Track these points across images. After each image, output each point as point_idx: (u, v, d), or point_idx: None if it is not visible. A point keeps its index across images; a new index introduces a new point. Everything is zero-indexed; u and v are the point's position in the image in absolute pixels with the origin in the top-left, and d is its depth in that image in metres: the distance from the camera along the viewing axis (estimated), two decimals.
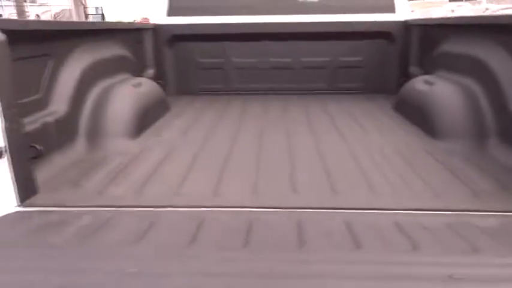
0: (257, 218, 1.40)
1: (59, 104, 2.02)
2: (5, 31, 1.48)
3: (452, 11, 17.38)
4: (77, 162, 1.99)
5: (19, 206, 1.53)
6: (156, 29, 3.54)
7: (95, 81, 2.33)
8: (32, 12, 23.33)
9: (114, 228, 1.35)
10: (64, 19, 25.96)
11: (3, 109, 1.46)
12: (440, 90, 2.39)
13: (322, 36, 3.55)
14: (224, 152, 2.13)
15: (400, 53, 3.51)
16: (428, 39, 3.16)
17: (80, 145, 2.13)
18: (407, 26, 3.47)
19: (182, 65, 3.70)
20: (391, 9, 3.54)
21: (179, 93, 3.70)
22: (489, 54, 2.17)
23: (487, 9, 14.50)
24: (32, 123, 1.77)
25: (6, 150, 1.48)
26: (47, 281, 1.04)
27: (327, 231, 1.29)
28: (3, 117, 1.46)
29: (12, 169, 1.50)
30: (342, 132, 2.45)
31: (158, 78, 3.43)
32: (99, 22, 2.77)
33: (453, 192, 1.61)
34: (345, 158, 2.02)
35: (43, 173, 1.76)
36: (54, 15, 25.19)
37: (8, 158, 1.49)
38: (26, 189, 1.57)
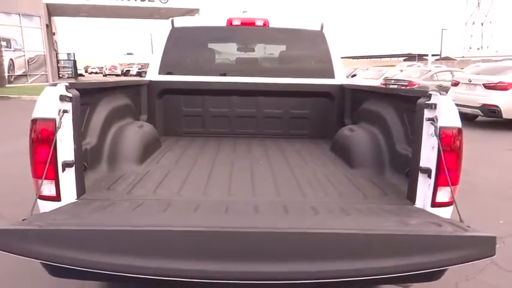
0: (230, 205, 2.32)
1: (91, 138, 2.91)
2: (78, 90, 2.40)
3: (401, 70, 19.50)
4: (103, 178, 2.87)
5: (76, 199, 2.39)
6: (150, 84, 4.52)
7: (113, 123, 3.24)
8: (7, 57, 24.07)
9: (146, 207, 2.24)
10: (38, 64, 26.81)
11: (74, 136, 2.35)
12: (357, 135, 3.46)
13: (278, 94, 4.64)
14: (206, 173, 3.07)
15: (338, 108, 4.62)
16: (356, 99, 4.29)
17: (103, 167, 3.00)
18: (342, 89, 4.60)
19: (169, 112, 4.67)
20: (331, 75, 4.68)
21: (166, 134, 4.63)
22: (385, 111, 3.25)
23: (429, 71, 16.50)
24: None
25: (74, 163, 2.36)
26: (111, 225, 1.90)
27: (271, 210, 2.24)
28: (73, 142, 2.35)
29: (75, 175, 2.38)
30: (289, 164, 3.45)
31: (149, 122, 4.36)
32: (116, 81, 3.74)
33: (352, 195, 2.61)
34: (288, 178, 3.00)
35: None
36: (28, 60, 25.97)
37: (74, 168, 2.37)
38: (81, 189, 2.43)
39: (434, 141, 2.27)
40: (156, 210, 2.22)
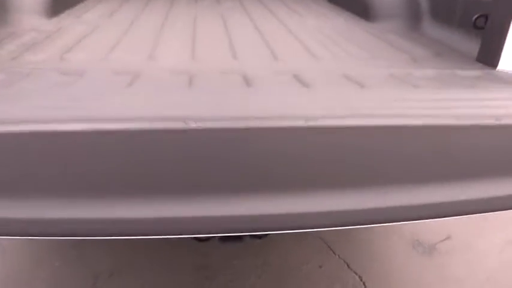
0: (198, 76, 1.30)
1: None
2: None
3: None
4: None
5: None
6: None
7: None
8: None
9: (42, 80, 1.19)
10: None
11: None
12: None
13: None
14: (155, 29, 1.96)
15: None
16: None
17: None
18: None
19: None
20: None
21: None
22: None
23: None
24: None
25: None
26: None
27: (275, 81, 1.24)
28: None
29: None
30: (278, 17, 2.37)
31: None
32: None
33: (393, 57, 1.63)
34: (283, 34, 1.96)
35: None
36: None
37: None
38: None
39: None
40: (58, 87, 1.17)
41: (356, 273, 2.09)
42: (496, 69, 1.51)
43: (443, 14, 1.98)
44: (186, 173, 0.88)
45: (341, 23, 2.27)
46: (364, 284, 2.04)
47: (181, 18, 2.27)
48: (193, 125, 0.84)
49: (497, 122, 0.97)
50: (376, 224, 0.91)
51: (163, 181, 0.88)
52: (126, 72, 1.27)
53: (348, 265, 2.14)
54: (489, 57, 1.54)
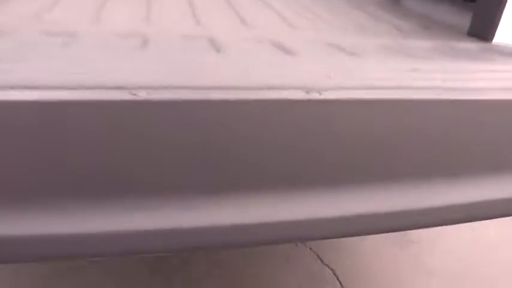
0: (153, 38, 1.05)
1: None
2: None
3: None
4: None
5: None
6: None
7: None
8: None
9: None
10: None
11: None
12: None
13: None
14: None
15: None
16: None
17: None
18: None
19: None
20: None
21: None
22: None
23: None
24: None
25: None
26: None
27: (251, 47, 1.02)
28: None
29: None
30: None
31: None
32: None
33: (377, 28, 1.45)
34: (253, 2, 1.73)
35: None
36: None
37: None
38: None
39: None
40: None
41: (328, 267, 1.94)
42: (492, 43, 1.37)
43: None
44: (132, 163, 0.65)
45: None
46: (337, 277, 1.90)
47: None
48: (144, 96, 0.61)
49: None
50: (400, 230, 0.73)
51: (99, 174, 0.64)
52: (63, 33, 1.00)
53: (319, 257, 1.99)
54: (483, 30, 1.40)
